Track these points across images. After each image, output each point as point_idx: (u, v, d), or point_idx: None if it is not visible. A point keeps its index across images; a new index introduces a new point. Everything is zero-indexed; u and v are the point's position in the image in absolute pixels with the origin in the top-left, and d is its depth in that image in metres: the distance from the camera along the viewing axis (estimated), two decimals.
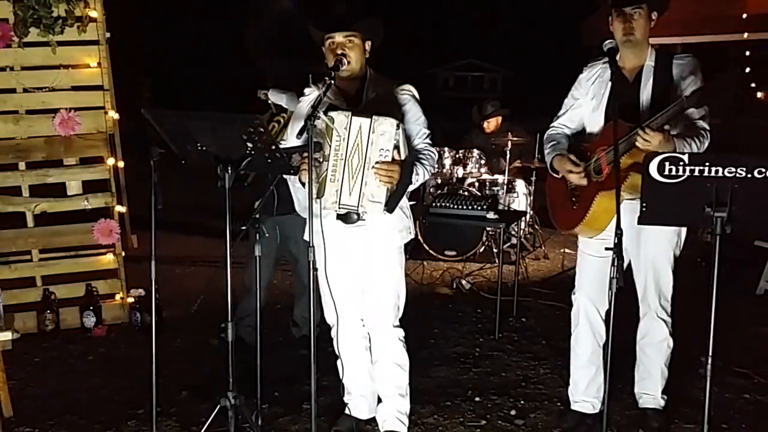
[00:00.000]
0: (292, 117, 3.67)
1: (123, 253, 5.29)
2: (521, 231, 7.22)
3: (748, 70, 9.03)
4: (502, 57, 31.99)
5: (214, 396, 3.30)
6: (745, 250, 5.87)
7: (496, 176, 7.41)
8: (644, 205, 2.77)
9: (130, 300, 5.30)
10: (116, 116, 5.20)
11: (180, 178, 7.41)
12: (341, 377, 3.67)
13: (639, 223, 2.84)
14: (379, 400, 3.65)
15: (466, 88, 33.45)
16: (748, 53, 9.52)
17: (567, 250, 7.11)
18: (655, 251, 3.54)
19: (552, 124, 3.76)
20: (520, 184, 7.45)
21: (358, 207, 3.13)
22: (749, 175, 2.60)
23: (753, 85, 10.06)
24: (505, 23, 32.94)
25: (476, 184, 7.37)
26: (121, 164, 5.30)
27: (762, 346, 4.89)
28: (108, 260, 5.26)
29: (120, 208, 5.25)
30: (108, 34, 5.08)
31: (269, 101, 4.62)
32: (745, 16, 8.34)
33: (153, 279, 3.41)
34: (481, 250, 7.10)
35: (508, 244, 7.25)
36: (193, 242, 7.78)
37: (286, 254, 4.80)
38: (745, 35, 8.56)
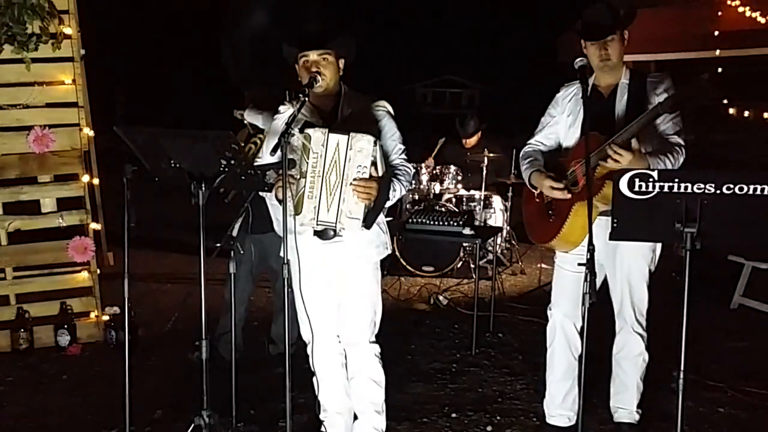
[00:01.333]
0: (267, 134, 3.67)
1: (98, 271, 5.24)
2: (498, 246, 7.25)
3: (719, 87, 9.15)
4: (479, 73, 32.22)
5: (189, 414, 3.27)
6: (720, 265, 5.92)
7: (472, 192, 7.44)
8: (615, 221, 2.80)
9: (105, 318, 5.25)
10: (91, 133, 5.18)
11: (156, 195, 7.37)
12: (317, 394, 3.66)
13: (611, 239, 2.88)
14: (355, 417, 3.64)
15: (444, 104, 33.62)
16: (720, 70, 9.64)
17: (544, 266, 7.13)
18: (630, 267, 3.57)
19: (528, 142, 3.80)
20: (496, 200, 7.49)
21: (336, 223, 3.14)
22: (718, 191, 2.64)
23: (725, 101, 10.19)
24: (482, 40, 33.21)
25: (453, 200, 7.40)
26: (96, 181, 5.27)
27: (736, 359, 4.93)
28: (83, 278, 5.21)
29: (95, 226, 5.21)
30: (83, 51, 5.06)
31: (245, 121, 4.61)
32: (716, 33, 8.45)
33: (126, 297, 3.39)
34: (458, 265, 7.12)
35: (485, 259, 7.27)
36: (169, 259, 7.71)
37: (267, 271, 4.79)
38: (717, 52, 8.67)
